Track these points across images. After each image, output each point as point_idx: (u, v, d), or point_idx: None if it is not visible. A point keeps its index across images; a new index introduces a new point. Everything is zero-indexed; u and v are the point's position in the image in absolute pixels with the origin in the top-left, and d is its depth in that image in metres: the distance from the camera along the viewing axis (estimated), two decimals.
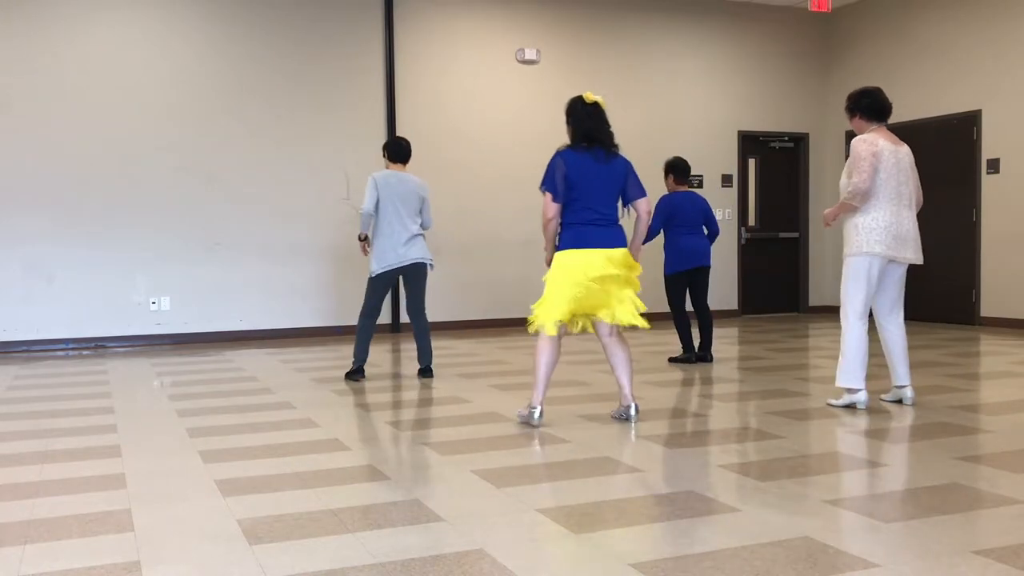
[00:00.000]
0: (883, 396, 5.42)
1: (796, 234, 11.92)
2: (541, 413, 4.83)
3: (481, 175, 10.27)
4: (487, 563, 2.79)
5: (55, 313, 8.78)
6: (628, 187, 4.82)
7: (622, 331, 4.92)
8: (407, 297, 6.64)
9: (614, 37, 10.87)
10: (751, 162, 11.67)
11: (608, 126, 4.80)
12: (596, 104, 4.78)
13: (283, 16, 9.53)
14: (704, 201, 7.27)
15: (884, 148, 5.06)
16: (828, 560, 2.77)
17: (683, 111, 11.20)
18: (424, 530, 3.12)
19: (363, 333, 6.51)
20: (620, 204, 4.88)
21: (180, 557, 2.91)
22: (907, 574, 2.66)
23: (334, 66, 9.71)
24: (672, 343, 7.87)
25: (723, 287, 11.08)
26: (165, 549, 2.98)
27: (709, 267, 7.27)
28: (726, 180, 11.42)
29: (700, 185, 10.99)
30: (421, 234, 6.53)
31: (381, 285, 6.50)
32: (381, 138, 9.10)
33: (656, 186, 7.35)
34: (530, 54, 10.43)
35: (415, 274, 6.52)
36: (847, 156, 5.25)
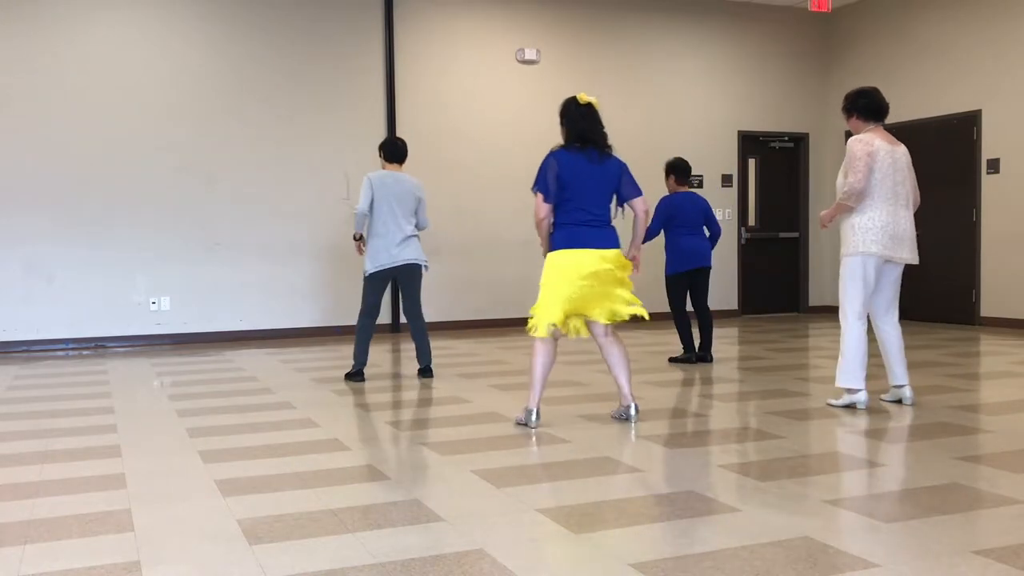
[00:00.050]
0: (883, 396, 5.42)
1: (796, 234, 11.92)
2: (538, 415, 4.83)
3: (481, 175, 10.27)
4: (487, 563, 2.79)
5: (55, 313, 8.78)
6: (623, 187, 4.82)
7: (617, 331, 4.92)
8: (403, 298, 6.64)
9: (614, 37, 10.87)
10: (751, 162, 11.67)
11: (602, 127, 4.79)
12: (590, 105, 4.78)
13: (283, 16, 9.53)
14: (705, 202, 7.27)
15: (880, 148, 5.06)
16: (828, 560, 2.77)
17: (683, 111, 11.20)
18: (424, 530, 3.12)
19: (362, 333, 6.51)
20: (614, 205, 4.88)
21: (180, 557, 2.91)
22: (907, 574, 2.66)
23: (334, 66, 9.71)
24: (672, 343, 7.87)
25: (723, 287, 11.08)
26: (165, 549, 2.98)
27: (710, 268, 7.28)
28: (726, 180, 11.42)
29: (700, 185, 10.99)
30: (416, 235, 6.53)
31: (376, 284, 6.50)
32: (381, 138, 9.06)
33: (657, 186, 7.37)
34: (530, 54, 10.43)
35: (409, 275, 6.52)
36: None
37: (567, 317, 4.77)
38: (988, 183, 9.88)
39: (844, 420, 4.94)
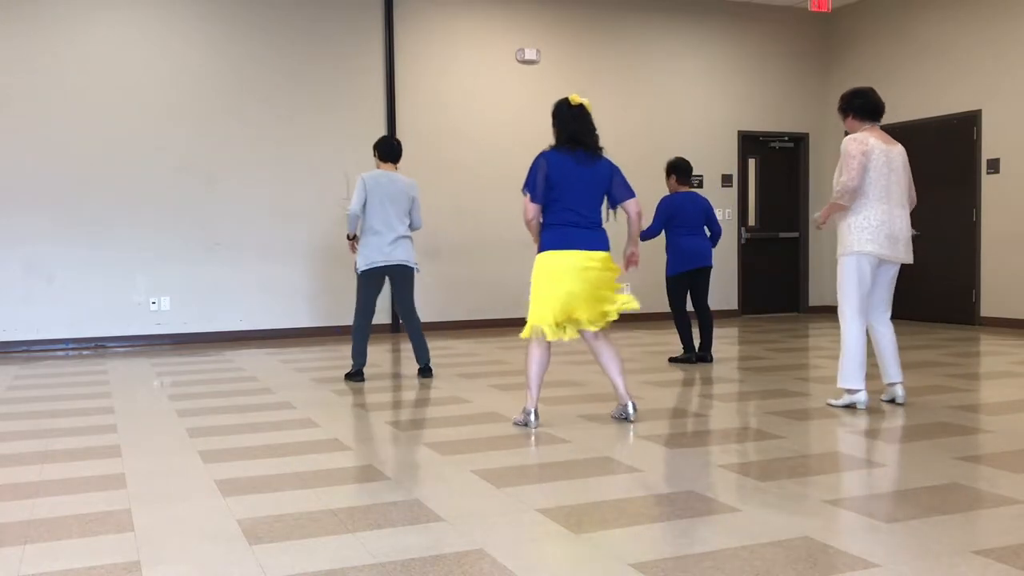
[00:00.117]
0: (883, 397, 5.42)
1: (796, 234, 11.92)
2: (537, 415, 4.83)
3: (481, 175, 10.27)
4: (487, 563, 2.79)
5: (55, 313, 8.78)
6: (614, 189, 4.80)
7: (609, 332, 4.91)
8: (397, 299, 6.65)
9: (614, 37, 10.87)
10: (751, 162, 11.67)
11: (593, 128, 4.78)
12: (581, 106, 4.77)
13: (283, 16, 9.53)
14: (706, 201, 7.27)
15: (875, 147, 5.07)
16: (828, 560, 2.77)
17: (683, 111, 11.20)
18: (424, 530, 3.12)
19: (359, 333, 6.51)
20: (606, 207, 4.87)
21: (180, 557, 2.91)
22: (907, 574, 2.66)
23: (334, 66, 9.71)
24: (672, 343, 7.87)
25: (723, 287, 11.08)
26: (165, 549, 2.98)
27: (710, 268, 7.27)
28: (726, 180, 11.42)
29: (700, 185, 10.99)
30: (408, 236, 6.53)
31: (369, 282, 6.50)
32: None
33: (657, 186, 7.37)
34: (530, 54, 10.43)
35: (401, 276, 6.53)
36: None
37: (558, 324, 4.72)
38: (988, 183, 9.88)
39: (844, 420, 4.94)
